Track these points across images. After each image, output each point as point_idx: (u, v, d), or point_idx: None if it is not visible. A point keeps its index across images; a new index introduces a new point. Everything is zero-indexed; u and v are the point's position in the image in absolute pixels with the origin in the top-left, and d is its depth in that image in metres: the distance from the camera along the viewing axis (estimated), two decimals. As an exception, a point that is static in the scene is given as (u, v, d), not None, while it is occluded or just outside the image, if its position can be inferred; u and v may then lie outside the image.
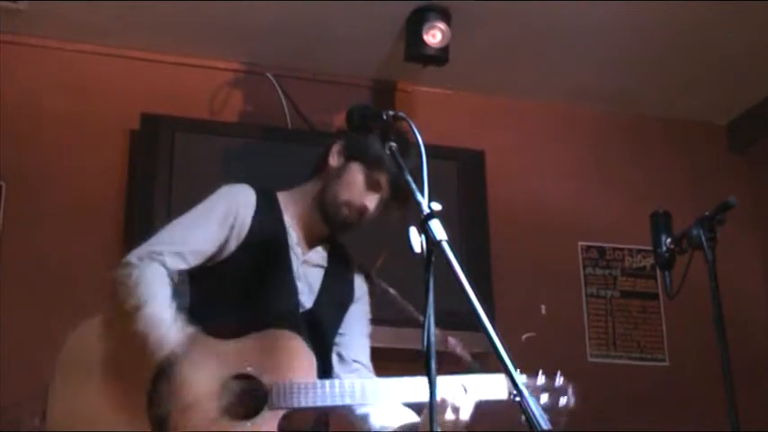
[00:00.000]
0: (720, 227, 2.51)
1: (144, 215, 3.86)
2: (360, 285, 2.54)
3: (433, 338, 1.66)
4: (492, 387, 2.22)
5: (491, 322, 1.64)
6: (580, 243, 4.58)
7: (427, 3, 3.97)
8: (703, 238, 2.49)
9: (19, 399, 3.34)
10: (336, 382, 2.20)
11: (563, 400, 2.26)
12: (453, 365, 2.48)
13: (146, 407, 2.12)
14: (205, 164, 4.00)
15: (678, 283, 2.61)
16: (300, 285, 2.38)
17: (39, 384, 3.50)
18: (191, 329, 2.15)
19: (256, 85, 4.33)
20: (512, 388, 1.61)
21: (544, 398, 2.23)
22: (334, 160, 2.42)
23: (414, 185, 1.85)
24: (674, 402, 4.28)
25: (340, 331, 2.48)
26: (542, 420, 1.56)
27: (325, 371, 2.33)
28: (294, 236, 2.41)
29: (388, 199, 2.38)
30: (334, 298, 2.46)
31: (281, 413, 2.14)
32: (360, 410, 2.33)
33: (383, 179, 2.35)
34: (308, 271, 2.42)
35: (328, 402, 2.17)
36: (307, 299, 2.38)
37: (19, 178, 3.90)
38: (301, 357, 2.21)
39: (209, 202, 2.37)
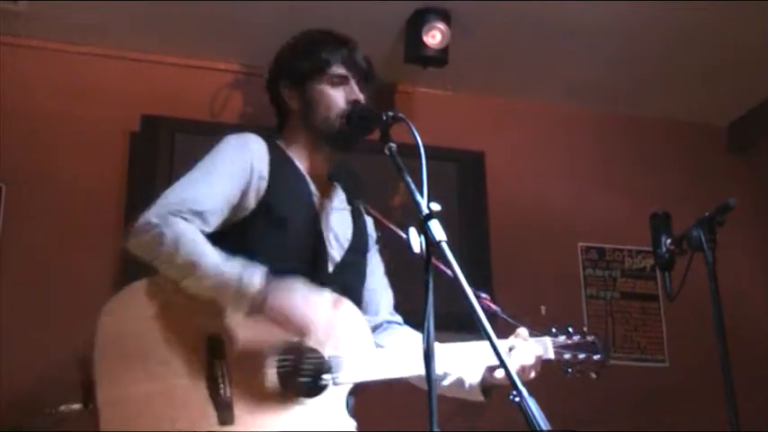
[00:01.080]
0: (720, 228, 2.51)
1: (144, 216, 3.87)
2: (371, 225, 2.46)
3: (432, 338, 1.66)
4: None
5: (490, 323, 1.64)
6: (580, 244, 4.59)
7: (427, 4, 3.97)
8: (703, 239, 2.49)
9: (19, 397, 3.35)
10: (398, 351, 2.14)
11: (596, 357, 2.40)
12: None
13: (206, 386, 1.95)
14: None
15: (678, 285, 2.61)
16: (332, 237, 2.27)
17: (39, 384, 3.51)
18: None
19: (256, 87, 4.30)
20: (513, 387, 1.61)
21: (581, 355, 2.39)
22: (292, 101, 2.35)
23: (413, 186, 1.85)
24: (674, 402, 4.28)
25: (366, 286, 2.38)
26: (542, 420, 1.56)
27: None
28: (311, 183, 2.31)
29: (361, 72, 2.34)
30: (361, 246, 2.37)
31: (345, 388, 2.08)
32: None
33: (340, 69, 2.31)
34: (339, 218, 2.32)
35: (394, 374, 2.12)
36: (336, 252, 2.27)
37: (19, 179, 3.90)
38: (359, 326, 2.14)
39: (218, 154, 2.22)
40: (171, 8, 3.93)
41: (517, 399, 1.59)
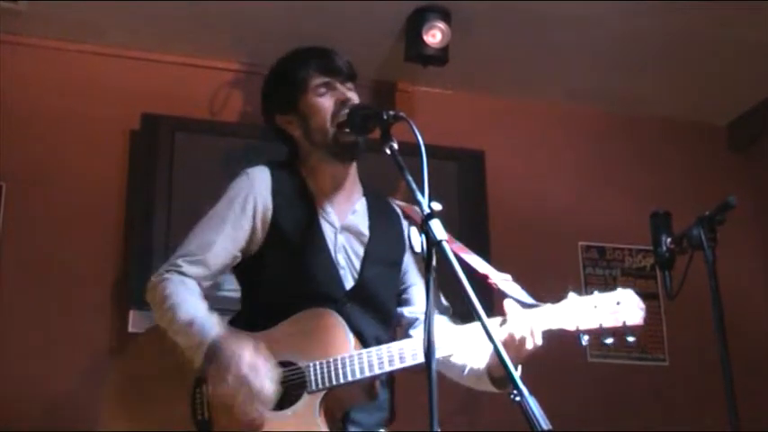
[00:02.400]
0: (720, 227, 2.51)
1: (144, 215, 3.87)
2: (406, 228, 2.45)
3: (433, 338, 1.66)
4: (558, 317, 2.16)
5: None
6: (580, 243, 4.58)
7: (427, 3, 3.97)
8: (703, 237, 2.49)
9: (18, 398, 3.35)
10: (373, 350, 2.13)
11: (623, 317, 2.12)
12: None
13: (190, 414, 2.10)
14: (205, 164, 4.00)
15: (678, 283, 2.61)
16: (341, 257, 2.29)
17: (39, 384, 3.51)
18: (229, 328, 2.13)
19: (256, 86, 4.29)
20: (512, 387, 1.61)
21: (600, 318, 2.12)
22: (293, 129, 2.37)
23: (414, 185, 1.84)
24: (674, 402, 4.28)
25: (403, 285, 2.40)
26: (542, 420, 1.55)
27: (385, 339, 2.26)
28: (326, 204, 2.33)
29: (342, 73, 2.35)
30: (384, 258, 2.36)
31: (320, 395, 2.09)
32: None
33: (319, 78, 2.32)
34: (350, 238, 2.33)
35: (367, 373, 2.10)
36: (351, 271, 2.29)
37: (19, 178, 3.90)
38: (335, 332, 2.14)
39: (225, 198, 2.31)
40: (171, 7, 3.92)
41: (518, 398, 1.59)
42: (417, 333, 2.36)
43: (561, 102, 4.74)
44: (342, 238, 2.32)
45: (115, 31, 4.11)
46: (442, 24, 3.97)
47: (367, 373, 2.10)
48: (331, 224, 2.32)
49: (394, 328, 2.38)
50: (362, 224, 2.37)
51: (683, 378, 4.36)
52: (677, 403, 4.27)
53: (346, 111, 2.27)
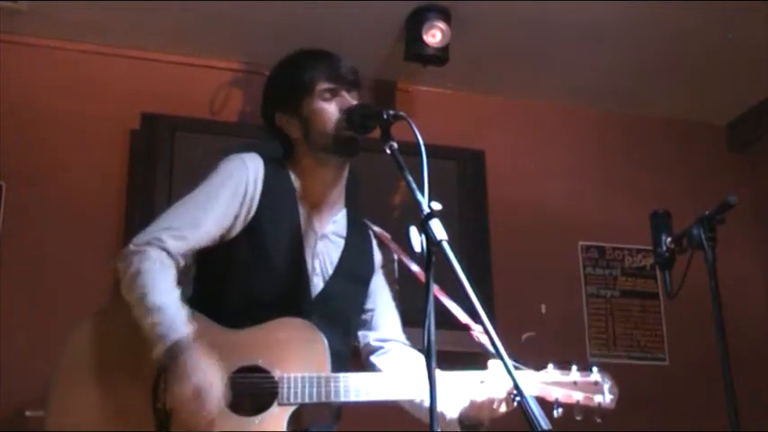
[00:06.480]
0: (720, 226, 2.51)
1: (144, 215, 3.86)
2: (377, 253, 2.45)
3: (433, 338, 1.66)
4: (538, 386, 2.15)
5: (491, 322, 1.64)
6: (580, 243, 4.58)
7: (427, 3, 3.97)
8: (703, 237, 2.49)
9: (19, 399, 3.34)
10: (350, 376, 2.12)
11: (598, 398, 2.14)
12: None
13: (151, 402, 2.03)
14: (205, 164, 3.98)
15: (678, 283, 2.61)
16: (318, 264, 2.27)
17: (39, 384, 3.50)
18: (196, 318, 2.06)
19: (256, 85, 4.29)
20: (513, 388, 1.61)
21: (577, 395, 2.12)
22: (292, 129, 2.34)
23: (414, 185, 1.84)
24: (674, 402, 4.28)
25: (367, 307, 2.40)
26: (542, 420, 1.56)
27: (344, 354, 2.25)
28: (309, 208, 2.30)
29: (348, 81, 2.33)
30: (354, 273, 2.36)
31: (290, 409, 2.07)
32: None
33: (326, 83, 2.30)
34: (328, 246, 2.32)
35: (341, 398, 2.09)
36: (320, 280, 2.27)
37: (19, 178, 3.90)
38: (314, 349, 2.12)
39: (216, 177, 2.26)
40: (171, 6, 3.93)
41: (518, 398, 1.59)
42: (382, 362, 2.37)
43: (561, 102, 4.74)
44: (321, 245, 2.31)
45: (115, 30, 4.11)
46: (441, 24, 3.98)
47: (342, 398, 2.10)
48: (312, 229, 2.30)
49: (353, 344, 2.38)
50: (341, 233, 2.37)
51: (683, 378, 4.35)
52: (677, 403, 4.27)
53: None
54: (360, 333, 2.41)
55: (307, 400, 2.08)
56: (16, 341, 3.63)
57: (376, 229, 2.49)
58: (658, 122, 4.90)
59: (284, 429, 2.06)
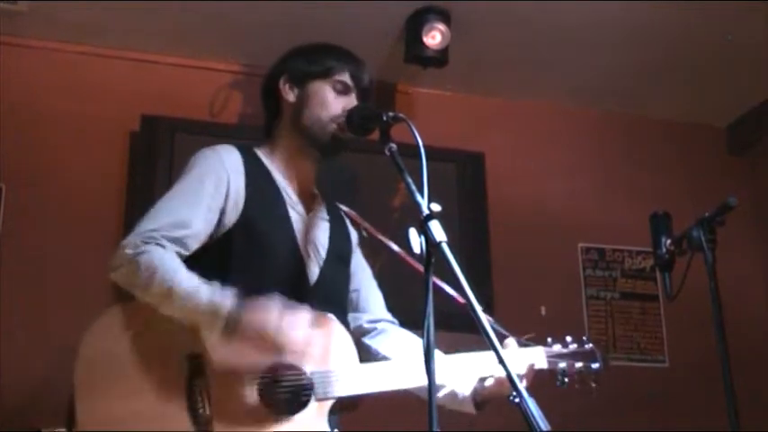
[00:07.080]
0: (720, 228, 2.51)
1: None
2: (353, 232, 2.46)
3: (432, 338, 1.66)
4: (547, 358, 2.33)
5: (491, 324, 1.64)
6: (580, 244, 4.59)
7: (427, 4, 3.97)
8: (703, 239, 2.49)
9: (18, 398, 3.34)
10: (384, 365, 2.15)
11: (595, 365, 2.34)
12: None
13: (186, 405, 1.97)
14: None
15: (678, 285, 2.61)
16: (311, 249, 2.26)
17: (40, 385, 3.51)
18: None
19: (256, 87, 4.28)
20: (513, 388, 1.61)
21: (578, 364, 2.33)
22: (289, 95, 2.34)
23: (413, 187, 1.84)
24: (674, 403, 4.28)
25: (352, 287, 2.39)
26: (542, 420, 1.56)
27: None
28: (291, 193, 2.29)
29: (363, 89, 2.34)
30: (341, 254, 2.36)
31: (328, 404, 2.06)
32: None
33: (345, 77, 2.32)
34: (316, 229, 2.31)
35: (375, 389, 2.10)
36: (315, 264, 2.26)
37: (19, 179, 3.90)
38: (342, 341, 2.12)
39: (195, 172, 2.19)
40: (171, 8, 3.93)
41: (517, 399, 1.59)
42: (378, 344, 2.36)
43: (561, 102, 4.75)
44: (309, 229, 2.29)
45: (115, 32, 4.11)
46: (441, 26, 3.98)
47: (375, 389, 2.11)
48: (299, 214, 2.28)
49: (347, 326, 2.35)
50: (324, 216, 2.37)
51: (683, 379, 4.35)
52: (677, 404, 4.27)
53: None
54: (350, 315, 2.39)
55: (342, 394, 2.08)
56: (16, 341, 3.63)
57: (344, 208, 2.49)
58: (658, 123, 4.90)
59: (326, 426, 2.07)
